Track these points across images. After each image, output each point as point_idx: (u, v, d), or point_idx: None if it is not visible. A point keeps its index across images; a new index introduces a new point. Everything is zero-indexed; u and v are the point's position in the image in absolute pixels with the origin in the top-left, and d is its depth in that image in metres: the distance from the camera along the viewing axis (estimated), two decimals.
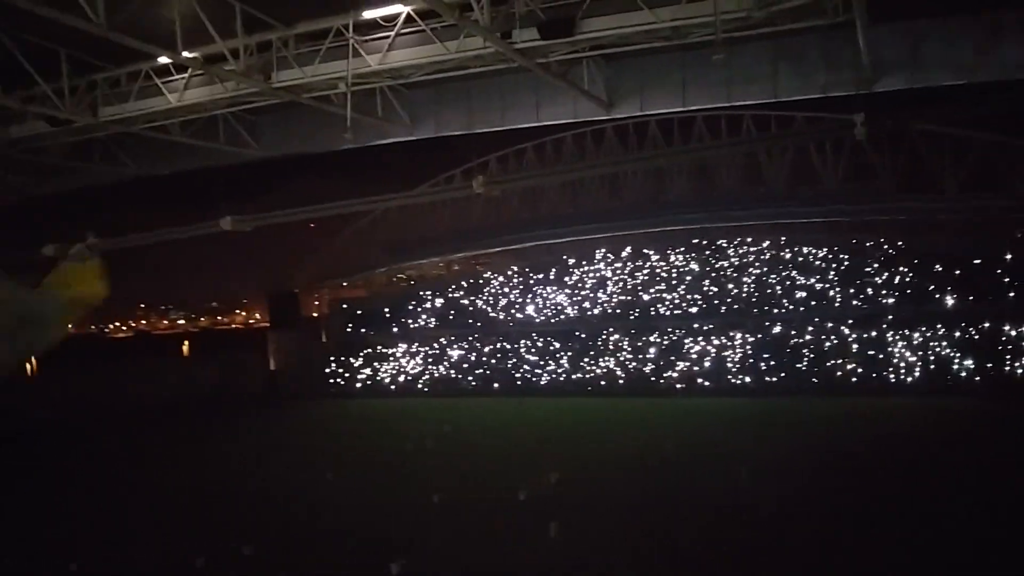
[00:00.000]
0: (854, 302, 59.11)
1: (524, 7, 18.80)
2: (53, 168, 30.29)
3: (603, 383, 59.02)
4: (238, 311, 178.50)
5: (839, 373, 53.21)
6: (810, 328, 57.83)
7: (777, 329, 58.95)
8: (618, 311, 66.52)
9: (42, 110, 21.19)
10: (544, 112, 25.79)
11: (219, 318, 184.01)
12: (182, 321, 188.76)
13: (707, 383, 56.08)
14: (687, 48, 23.33)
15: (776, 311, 60.72)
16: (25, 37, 18.80)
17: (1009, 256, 58.08)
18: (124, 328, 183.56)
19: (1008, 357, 50.30)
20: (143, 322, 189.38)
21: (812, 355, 55.51)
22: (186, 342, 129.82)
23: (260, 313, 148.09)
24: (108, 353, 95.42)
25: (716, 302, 63.40)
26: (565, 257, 74.61)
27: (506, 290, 74.62)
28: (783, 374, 54.54)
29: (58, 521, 29.89)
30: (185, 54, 18.29)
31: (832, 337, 56.62)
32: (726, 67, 22.90)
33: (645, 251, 72.38)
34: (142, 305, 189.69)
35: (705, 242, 70.33)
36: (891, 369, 52.48)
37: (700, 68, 23.78)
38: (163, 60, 20.22)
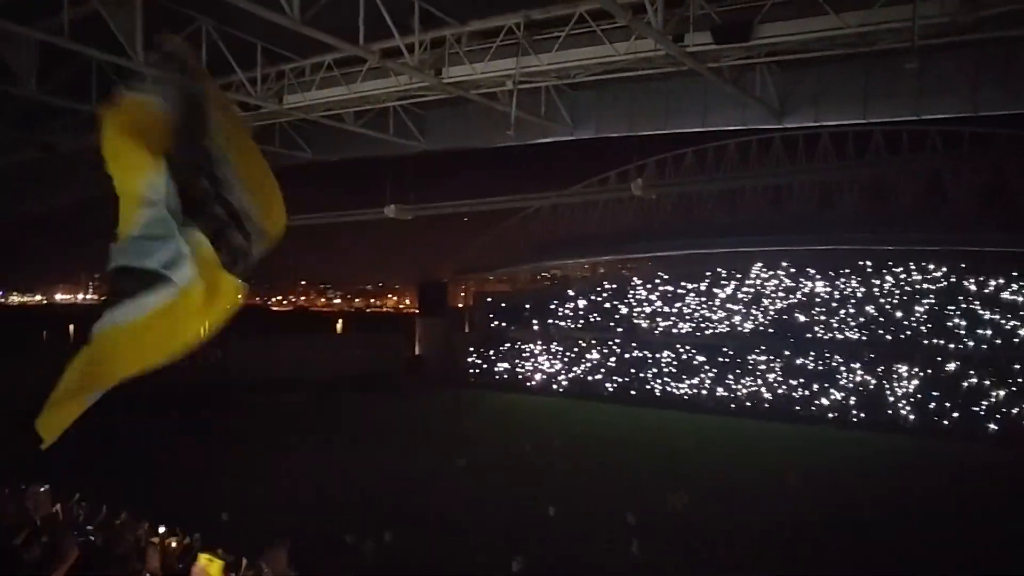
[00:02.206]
0: None
1: (699, 10, 18.10)
2: None
3: (748, 404, 56.47)
4: (389, 295, 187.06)
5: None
6: (990, 369, 52.37)
7: (951, 366, 53.85)
8: (770, 330, 63.38)
9: (235, 96, 22.88)
10: (711, 118, 24.78)
11: (371, 300, 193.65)
12: (337, 300, 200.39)
13: (862, 415, 52.25)
14: (872, 56, 21.60)
15: (952, 346, 55.41)
16: (226, 29, 20.39)
17: None
18: (284, 302, 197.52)
19: None
20: (303, 298, 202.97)
21: (991, 399, 50.24)
22: (340, 320, 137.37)
23: (410, 299, 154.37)
24: (267, 325, 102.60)
25: (881, 331, 58.84)
26: (718, 269, 71.99)
27: (652, 297, 73.10)
28: (955, 415, 49.70)
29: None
30: (365, 47, 19.07)
31: (1017, 380, 50.99)
32: (917, 77, 20.99)
33: (807, 269, 68.36)
34: (303, 282, 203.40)
35: (873, 265, 65.34)
36: None
37: (886, 78, 21.93)
38: (344, 53, 21.24)
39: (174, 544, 9.74)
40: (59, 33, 18.38)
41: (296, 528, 25.45)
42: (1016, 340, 53.76)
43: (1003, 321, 55.26)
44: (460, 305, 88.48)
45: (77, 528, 9.52)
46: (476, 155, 61.53)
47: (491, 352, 73.27)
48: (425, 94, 23.54)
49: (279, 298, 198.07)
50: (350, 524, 26.38)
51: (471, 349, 74.89)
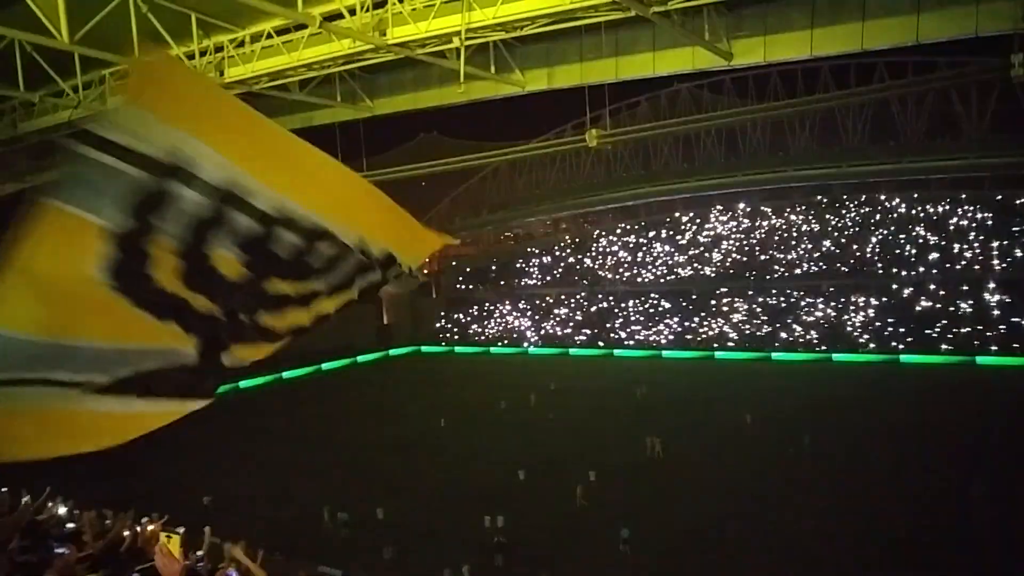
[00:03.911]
0: (996, 264, 54.51)
1: None
2: None
3: (714, 344, 57.52)
4: None
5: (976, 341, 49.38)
6: (942, 292, 54.03)
7: (906, 292, 55.49)
8: (732, 271, 64.41)
9: None
10: (661, 63, 24.69)
11: None
12: None
13: (823, 346, 53.63)
14: None
15: (905, 272, 57.02)
16: (157, 1, 19.60)
17: None
18: None
19: None
20: None
21: (943, 321, 51.89)
22: None
23: None
24: None
25: (838, 263, 60.19)
26: (678, 215, 72.64)
27: (615, 248, 73.64)
28: (909, 339, 51.34)
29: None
30: (305, 12, 18.53)
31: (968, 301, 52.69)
32: (860, 10, 21.14)
33: (762, 208, 69.44)
34: None
35: (827, 199, 66.62)
36: None
37: (830, 13, 22.03)
38: (285, 21, 20.64)
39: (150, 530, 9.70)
40: None
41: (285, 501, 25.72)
42: (963, 263, 55.39)
43: (951, 246, 56.92)
44: (425, 271, 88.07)
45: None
46: (429, 117, 60.73)
47: (460, 315, 73.39)
48: (371, 57, 23.01)
49: None
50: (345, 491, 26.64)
51: (440, 313, 74.92)
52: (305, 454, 32.86)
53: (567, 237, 79.71)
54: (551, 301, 70.83)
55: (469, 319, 72.64)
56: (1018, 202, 58.10)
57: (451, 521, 23.37)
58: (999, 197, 58.90)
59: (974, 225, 58.11)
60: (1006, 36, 20.20)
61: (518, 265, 76.98)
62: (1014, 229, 56.05)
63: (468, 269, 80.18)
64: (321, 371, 58.44)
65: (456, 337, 70.86)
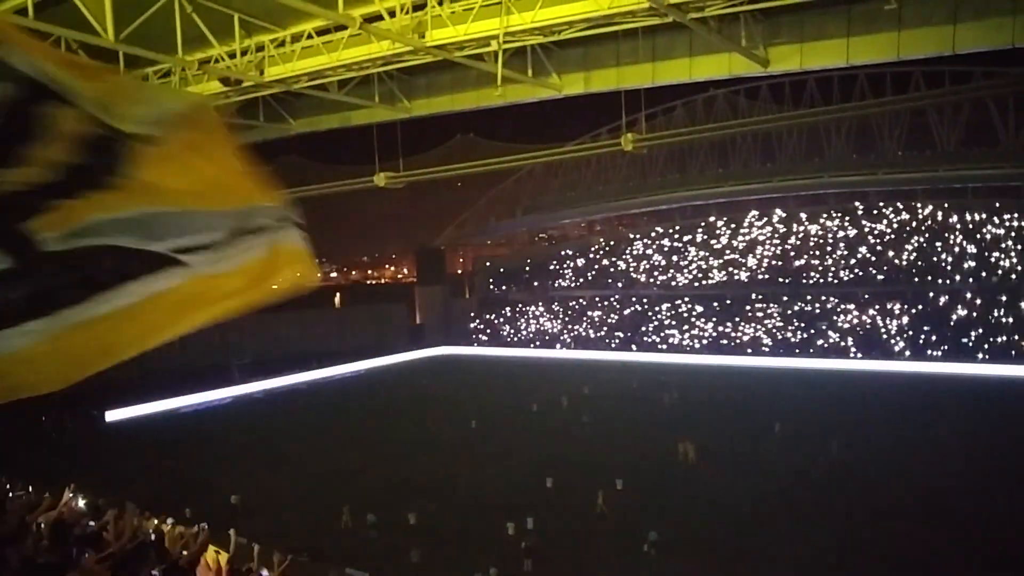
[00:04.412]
0: None
1: None
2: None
3: (748, 350, 57.08)
4: (387, 266, 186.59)
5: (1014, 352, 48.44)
6: (977, 301, 53.19)
7: (942, 300, 54.66)
8: (767, 276, 63.86)
9: (216, 70, 22.75)
10: (697, 68, 24.80)
11: (369, 272, 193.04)
12: (334, 274, 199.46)
13: (858, 353, 52.95)
14: (854, 0, 21.70)
15: (941, 281, 56.14)
16: (201, 2, 20.23)
17: None
18: None
19: None
20: None
21: (978, 330, 51.01)
22: (337, 294, 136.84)
23: (408, 268, 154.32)
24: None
25: (873, 270, 59.39)
26: (713, 219, 72.19)
27: (649, 252, 73.41)
28: (944, 347, 50.51)
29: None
30: (345, 13, 18.99)
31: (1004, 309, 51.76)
32: (896, 19, 21.06)
33: (800, 214, 68.65)
34: None
35: (863, 206, 65.65)
36: None
37: (866, 21, 21.98)
38: (324, 21, 21.16)
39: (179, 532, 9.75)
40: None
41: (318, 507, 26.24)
42: (999, 272, 54.39)
43: (986, 254, 55.91)
44: (459, 271, 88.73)
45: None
46: (466, 118, 61.28)
47: (493, 316, 73.77)
48: (409, 59, 23.46)
49: None
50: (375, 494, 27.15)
51: (472, 314, 75.40)
52: (334, 455, 33.35)
53: (601, 240, 79.62)
54: (584, 303, 70.87)
55: (502, 320, 72.97)
56: None
57: (479, 524, 23.49)
58: None
59: (1012, 234, 56.93)
60: None
61: (552, 267, 77.08)
62: None
63: (501, 270, 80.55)
64: (351, 372, 58.96)
65: (488, 339, 71.23)
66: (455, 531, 23.13)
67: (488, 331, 72.33)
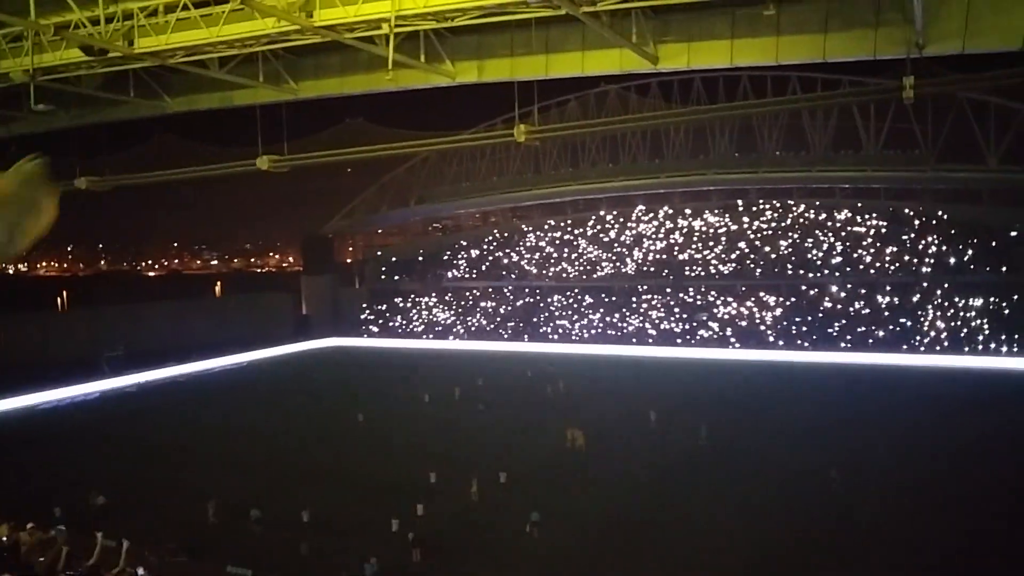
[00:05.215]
0: (889, 268, 57.85)
1: None
2: (87, 100, 29.91)
3: (634, 340, 58.75)
4: (272, 254, 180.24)
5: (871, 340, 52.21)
6: (842, 294, 57.00)
7: (812, 293, 58.24)
8: (652, 269, 65.93)
9: (76, 37, 20.90)
10: (589, 62, 25.04)
11: (253, 260, 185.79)
12: (215, 262, 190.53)
13: (738, 344, 55.57)
14: (738, 4, 22.50)
15: (812, 275, 59.77)
16: None
17: None
18: (156, 266, 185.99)
19: None
20: (176, 261, 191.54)
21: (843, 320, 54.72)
22: (218, 283, 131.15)
23: (294, 257, 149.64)
24: (139, 291, 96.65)
25: (751, 264, 62.48)
26: (603, 213, 73.79)
27: (542, 244, 74.21)
28: (814, 337, 53.83)
29: None
30: None
31: (864, 302, 55.75)
32: (775, 25, 22.03)
33: (684, 209, 71.29)
34: (175, 244, 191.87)
35: (743, 203, 68.95)
36: (922, 333, 51.57)
37: (749, 25, 22.90)
38: None
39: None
40: None
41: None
42: (862, 267, 58.52)
43: (849, 251, 60.05)
44: (348, 260, 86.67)
45: None
46: (357, 103, 59.73)
47: (384, 306, 72.55)
48: (296, 38, 22.41)
49: (149, 262, 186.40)
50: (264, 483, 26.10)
51: (362, 305, 73.88)
52: (211, 449, 31.87)
53: (495, 231, 79.77)
54: (478, 294, 70.84)
55: (393, 311, 71.89)
56: (907, 212, 61.83)
57: (365, 516, 22.98)
58: (891, 208, 62.60)
59: (871, 232, 61.37)
60: (902, 60, 21.34)
61: (445, 257, 76.59)
62: (903, 237, 59.57)
63: (393, 260, 79.29)
64: (232, 364, 56.45)
65: (379, 330, 70.02)
66: (339, 523, 22.60)
67: (379, 322, 71.10)
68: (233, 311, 67.91)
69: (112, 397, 45.27)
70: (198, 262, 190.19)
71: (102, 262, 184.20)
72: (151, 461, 29.98)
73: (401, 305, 72.22)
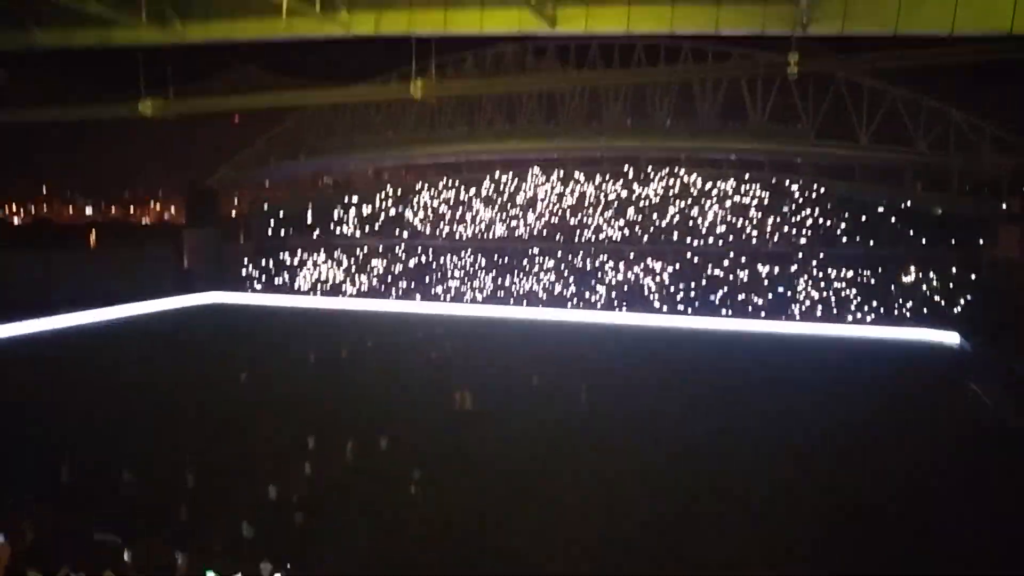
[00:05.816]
0: (769, 239, 61.45)
1: None
2: None
3: (525, 302, 59.98)
4: (153, 205, 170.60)
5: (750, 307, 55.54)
6: (725, 262, 60.09)
7: (696, 260, 61.04)
8: (544, 232, 67.19)
9: None
10: (488, 20, 25.11)
11: (132, 210, 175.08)
12: (90, 211, 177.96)
13: (625, 307, 57.77)
14: None
15: (697, 243, 62.58)
16: None
17: (909, 205, 61.77)
18: (20, 213, 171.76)
19: (900, 299, 53.59)
20: (44, 208, 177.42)
21: (724, 287, 57.79)
22: (93, 232, 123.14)
23: (176, 209, 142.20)
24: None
25: (639, 230, 64.75)
26: (498, 173, 74.30)
27: (436, 203, 74.04)
28: (697, 304, 56.63)
29: None
30: None
31: (745, 271, 58.99)
32: None
33: (576, 174, 72.80)
34: (44, 189, 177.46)
35: (634, 170, 71.14)
36: (798, 303, 55.32)
37: None
38: None
39: None
40: None
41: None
42: (743, 237, 61.97)
43: (733, 220, 63.38)
44: (234, 214, 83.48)
45: None
46: (249, 48, 57.21)
47: (270, 262, 70.57)
48: None
49: (12, 209, 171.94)
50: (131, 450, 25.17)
51: (247, 260, 71.57)
52: (72, 410, 29.74)
53: (388, 188, 78.83)
54: (368, 252, 70.05)
55: (280, 267, 70.10)
56: (788, 184, 65.82)
57: (234, 485, 21.81)
58: (774, 180, 66.42)
59: (754, 203, 64.90)
60: (788, 37, 22.62)
61: (336, 213, 75.14)
62: (784, 209, 63.45)
63: (281, 214, 77.02)
64: (106, 319, 53.55)
65: (264, 286, 68.17)
66: (214, 488, 21.55)
67: (264, 278, 69.19)
68: (109, 263, 64.20)
69: None
70: (71, 210, 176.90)
71: None
72: None
73: (288, 261, 70.51)
